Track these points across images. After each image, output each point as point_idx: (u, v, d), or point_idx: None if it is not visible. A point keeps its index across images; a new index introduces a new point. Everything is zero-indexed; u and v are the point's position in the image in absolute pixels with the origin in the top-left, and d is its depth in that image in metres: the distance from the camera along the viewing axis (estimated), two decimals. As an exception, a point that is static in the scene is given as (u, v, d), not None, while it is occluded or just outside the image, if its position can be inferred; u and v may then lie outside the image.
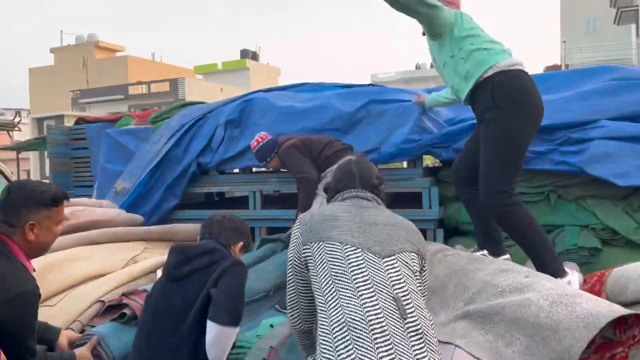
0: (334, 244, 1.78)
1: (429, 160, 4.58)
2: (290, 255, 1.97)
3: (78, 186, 6.13)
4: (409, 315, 1.62)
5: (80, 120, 6.34)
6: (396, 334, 1.57)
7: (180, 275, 2.18)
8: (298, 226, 1.97)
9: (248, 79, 35.27)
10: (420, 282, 1.83)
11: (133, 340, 2.21)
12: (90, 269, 3.03)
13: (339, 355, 1.56)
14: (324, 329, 1.65)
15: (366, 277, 1.69)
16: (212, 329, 2.05)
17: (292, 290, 2.00)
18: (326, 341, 1.62)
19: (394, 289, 1.67)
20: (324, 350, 1.61)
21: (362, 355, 1.52)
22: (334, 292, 1.69)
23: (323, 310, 1.69)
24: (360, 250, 1.76)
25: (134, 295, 2.68)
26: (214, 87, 28.88)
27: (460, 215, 3.83)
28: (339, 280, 1.70)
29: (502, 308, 2.19)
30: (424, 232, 3.83)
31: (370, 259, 1.74)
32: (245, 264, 3.29)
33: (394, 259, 1.76)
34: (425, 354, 1.58)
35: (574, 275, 2.64)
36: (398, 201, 4.59)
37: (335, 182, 2.15)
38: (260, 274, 3.29)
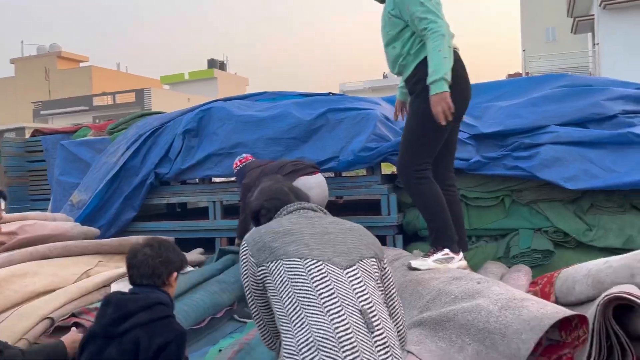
0: (293, 260, 1.67)
1: (387, 169, 4.61)
2: (245, 280, 1.85)
3: (35, 200, 5.97)
4: (376, 329, 1.56)
5: (36, 132, 6.18)
6: (365, 350, 1.50)
7: (117, 332, 2.02)
8: (246, 248, 1.83)
9: (216, 88, 35.03)
10: (382, 290, 1.75)
11: None
12: (38, 285, 2.92)
13: None
14: (289, 350, 1.55)
15: (332, 291, 1.60)
16: None
17: (256, 312, 1.91)
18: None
19: (359, 302, 1.60)
20: None
21: None
22: (299, 310, 1.59)
23: (288, 331, 1.59)
24: (321, 262, 1.66)
25: (84, 315, 2.60)
26: (181, 97, 28.59)
27: (420, 221, 3.87)
28: (304, 297, 1.60)
29: (454, 315, 2.21)
30: (383, 238, 3.85)
31: (333, 271, 1.65)
32: (202, 276, 3.20)
33: (356, 269, 1.68)
34: None
35: (457, 259, 2.83)
36: (357, 208, 4.63)
37: (270, 201, 2.04)
38: (223, 285, 3.23)
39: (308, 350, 1.50)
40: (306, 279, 1.63)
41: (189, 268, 3.61)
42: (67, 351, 2.29)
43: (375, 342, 1.53)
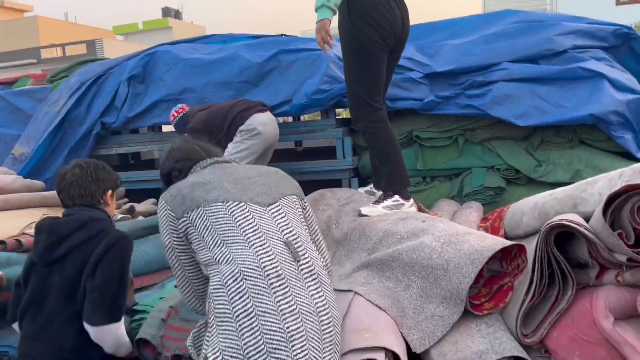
0: (215, 205, 1.66)
1: (345, 114, 4.55)
2: (166, 239, 1.75)
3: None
4: (302, 258, 1.60)
5: (-27, 84, 5.80)
6: (292, 277, 1.55)
7: (55, 258, 1.97)
8: (164, 204, 1.75)
9: (171, 38, 33.74)
10: (306, 225, 1.79)
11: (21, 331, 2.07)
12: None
13: (234, 307, 1.48)
14: (216, 284, 1.55)
15: (255, 227, 1.62)
16: (89, 329, 1.93)
17: (179, 272, 1.79)
18: (219, 296, 1.51)
19: (284, 234, 1.64)
20: (219, 306, 1.51)
21: (258, 303, 1.47)
22: (225, 249, 1.58)
23: (214, 270, 1.59)
24: (243, 203, 1.67)
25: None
26: (135, 48, 27.37)
27: (374, 164, 3.85)
28: (228, 236, 1.60)
29: (399, 254, 2.21)
30: (339, 182, 3.83)
31: (256, 210, 1.67)
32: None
33: (278, 205, 1.72)
34: (321, 293, 1.58)
35: (408, 205, 2.80)
36: (311, 154, 4.58)
37: (181, 162, 1.95)
38: None
39: (234, 281, 1.51)
40: (229, 220, 1.63)
41: (140, 219, 3.52)
42: None
43: (302, 269, 1.57)
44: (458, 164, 3.67)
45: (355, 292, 2.14)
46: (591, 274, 1.80)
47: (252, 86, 3.96)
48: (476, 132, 3.63)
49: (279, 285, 1.50)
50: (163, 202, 1.77)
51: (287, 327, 1.45)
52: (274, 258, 1.55)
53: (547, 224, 1.79)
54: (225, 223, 1.63)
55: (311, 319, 1.50)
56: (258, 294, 1.49)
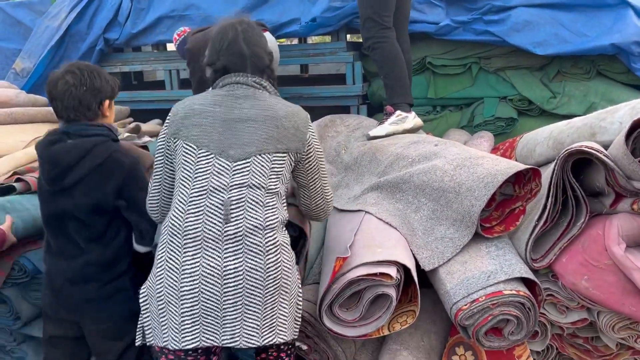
0: (190, 147, 1.64)
1: (356, 38, 4.40)
2: (160, 143, 1.75)
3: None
4: (232, 220, 1.56)
5: (-31, -5, 5.57)
6: (210, 239, 1.56)
7: (64, 187, 1.90)
8: (170, 115, 1.74)
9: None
10: (280, 181, 1.67)
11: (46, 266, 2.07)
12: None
13: (158, 258, 1.64)
14: (160, 232, 1.70)
15: (204, 185, 1.60)
16: (141, 249, 2.00)
17: (158, 178, 1.78)
18: (159, 243, 1.67)
19: (229, 193, 1.58)
20: (157, 252, 1.66)
21: (169, 259, 1.59)
22: (176, 196, 1.66)
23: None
24: (212, 155, 1.62)
25: (29, 174, 2.50)
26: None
27: (384, 92, 3.76)
28: (182, 185, 1.63)
29: (410, 176, 2.19)
30: (347, 108, 3.76)
31: (219, 165, 1.61)
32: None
33: (248, 163, 1.62)
34: (239, 256, 1.55)
35: (411, 117, 2.88)
36: (318, 82, 4.47)
37: (225, 64, 1.76)
38: None
39: (164, 234, 1.63)
40: (191, 169, 1.62)
41: (146, 138, 3.48)
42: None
43: (226, 232, 1.56)
44: (470, 93, 3.58)
45: (366, 212, 2.15)
46: (606, 202, 1.79)
47: (259, 3, 3.79)
48: (491, 60, 3.51)
49: (192, 247, 1.56)
50: (174, 108, 1.75)
51: (182, 287, 1.55)
52: (200, 219, 1.57)
53: (566, 150, 1.76)
54: (188, 169, 1.63)
55: (212, 282, 1.53)
56: (172, 251, 1.59)
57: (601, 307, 1.76)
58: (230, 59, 1.75)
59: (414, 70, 3.46)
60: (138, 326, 1.75)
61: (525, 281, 1.78)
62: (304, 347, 2.03)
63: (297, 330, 1.70)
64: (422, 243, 1.97)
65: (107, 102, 1.99)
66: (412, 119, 2.88)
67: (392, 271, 1.73)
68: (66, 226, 1.95)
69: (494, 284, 1.71)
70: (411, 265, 1.79)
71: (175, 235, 1.59)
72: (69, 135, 1.93)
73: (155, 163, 1.79)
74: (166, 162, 1.74)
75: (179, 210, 1.61)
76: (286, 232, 1.70)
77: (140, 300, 1.68)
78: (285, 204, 1.72)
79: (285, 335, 1.61)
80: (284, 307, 1.61)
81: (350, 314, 1.81)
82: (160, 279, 1.60)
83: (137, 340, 1.75)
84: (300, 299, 1.71)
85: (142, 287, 1.69)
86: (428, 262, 1.91)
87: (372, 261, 1.75)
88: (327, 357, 2.01)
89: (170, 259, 1.58)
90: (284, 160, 1.67)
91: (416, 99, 3.31)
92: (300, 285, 1.72)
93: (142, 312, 1.68)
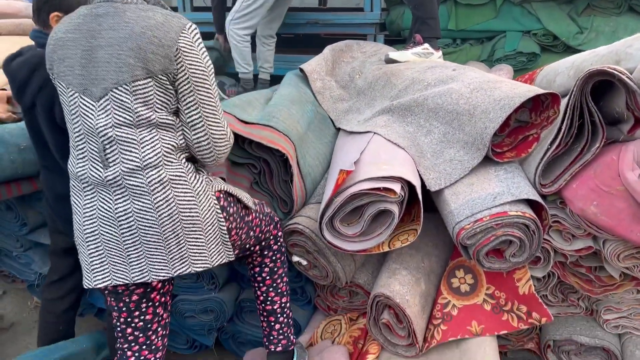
0: (61, 85, 1.48)
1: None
2: None
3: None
4: (110, 165, 1.45)
5: None
6: (98, 184, 1.48)
7: (27, 105, 1.86)
8: (50, 37, 1.52)
9: None
10: (152, 110, 1.46)
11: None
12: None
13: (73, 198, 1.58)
14: None
15: (80, 128, 1.48)
16: None
17: None
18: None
19: (100, 137, 1.45)
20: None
21: (73, 201, 1.56)
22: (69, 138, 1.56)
23: None
24: (77, 95, 1.45)
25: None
26: None
27: (403, 20, 3.62)
28: (68, 127, 1.53)
29: (424, 99, 2.12)
30: (364, 37, 3.63)
31: (84, 105, 1.45)
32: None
33: (107, 100, 1.43)
34: (126, 198, 1.46)
35: (437, 56, 2.78)
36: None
37: None
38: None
39: (71, 179, 1.56)
40: (67, 110, 1.50)
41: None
42: None
43: (106, 178, 1.46)
44: (492, 25, 3.44)
45: (375, 133, 2.10)
46: (624, 128, 1.71)
47: None
48: (517, -9, 3.35)
49: (89, 191, 1.50)
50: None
51: (84, 229, 1.52)
52: (86, 164, 1.49)
53: (587, 71, 1.67)
54: (66, 111, 1.52)
55: (108, 224, 1.49)
56: (75, 195, 1.55)
57: (608, 235, 1.72)
58: None
59: (435, 0, 3.32)
60: None
61: (532, 206, 1.75)
62: (304, 263, 2.04)
63: (230, 252, 1.63)
64: (430, 165, 1.93)
65: (54, 14, 1.85)
66: (437, 57, 2.78)
67: (397, 187, 1.70)
68: (45, 142, 1.92)
69: (499, 204, 1.67)
70: (416, 184, 1.76)
71: (73, 178, 1.55)
72: (30, 46, 1.88)
73: None
74: None
75: (72, 154, 1.54)
76: (182, 161, 1.53)
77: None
78: (178, 129, 1.53)
79: (202, 264, 1.55)
80: (196, 238, 1.53)
81: (351, 229, 1.80)
82: (74, 220, 1.58)
83: None
84: (223, 223, 1.60)
85: None
86: (434, 183, 1.87)
87: (377, 176, 1.71)
88: (327, 274, 2.02)
89: (75, 202, 1.55)
90: (149, 86, 1.43)
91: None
92: (219, 210, 1.58)
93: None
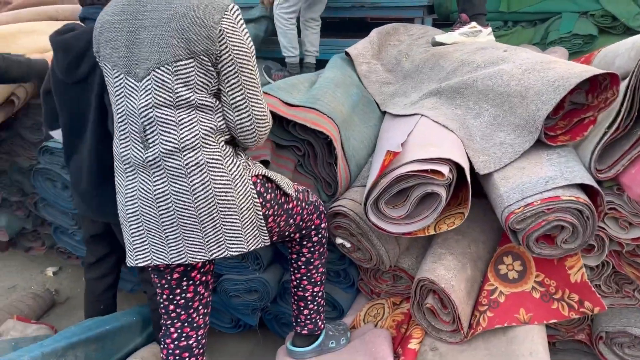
0: (107, 67, 1.51)
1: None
2: None
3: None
4: (150, 146, 1.47)
5: None
6: (139, 165, 1.51)
7: (79, 77, 1.87)
8: (97, 20, 1.55)
9: None
10: (192, 91, 1.46)
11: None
12: (46, 43, 2.83)
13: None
14: None
15: (123, 109, 1.51)
16: None
17: None
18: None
19: (141, 118, 1.47)
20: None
21: (117, 182, 1.61)
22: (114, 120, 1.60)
23: None
24: (122, 75, 1.48)
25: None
26: None
27: (452, 3, 3.53)
28: (113, 109, 1.56)
29: (473, 81, 2.07)
30: (411, 20, 3.56)
31: (129, 86, 1.47)
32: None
33: (149, 80, 1.44)
34: (164, 180, 1.48)
35: (486, 33, 2.69)
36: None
37: None
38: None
39: (116, 160, 1.60)
40: (112, 91, 1.53)
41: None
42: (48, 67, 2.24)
43: (147, 159, 1.48)
44: (547, 7, 3.30)
45: (422, 115, 2.06)
46: (689, 111, 1.62)
47: None
48: (575, -30, 3.20)
49: (130, 171, 1.54)
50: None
51: (126, 209, 1.56)
52: (128, 145, 1.52)
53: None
54: (111, 92, 1.54)
55: (148, 205, 1.51)
56: (118, 175, 1.60)
57: (668, 223, 1.64)
58: None
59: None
60: None
61: (586, 191, 1.68)
62: (348, 245, 2.04)
63: (266, 237, 1.62)
64: (479, 148, 1.88)
65: None
66: (487, 34, 2.68)
67: (445, 169, 1.66)
68: (86, 121, 1.92)
69: (551, 189, 1.61)
70: (465, 166, 1.72)
71: (117, 160, 1.58)
72: (83, 20, 1.92)
73: None
74: None
75: (115, 135, 1.58)
76: (221, 144, 1.53)
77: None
78: (217, 111, 1.53)
79: (238, 248, 1.55)
80: (231, 222, 1.53)
81: (396, 212, 1.78)
82: (117, 202, 1.63)
83: None
84: (259, 208, 1.59)
85: None
86: (484, 166, 1.82)
87: (425, 158, 1.68)
88: (370, 256, 2.01)
89: (118, 183, 1.60)
90: (190, 67, 1.43)
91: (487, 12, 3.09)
92: (255, 195, 1.58)
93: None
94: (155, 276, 1.69)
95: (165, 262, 1.55)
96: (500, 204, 1.69)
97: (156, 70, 1.43)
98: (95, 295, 2.30)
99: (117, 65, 1.47)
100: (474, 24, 2.64)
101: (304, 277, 1.93)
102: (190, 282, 1.70)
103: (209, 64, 1.45)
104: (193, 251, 1.53)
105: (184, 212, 1.49)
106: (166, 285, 1.69)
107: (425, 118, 2.05)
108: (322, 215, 1.90)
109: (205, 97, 1.49)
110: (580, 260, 1.77)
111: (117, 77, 1.49)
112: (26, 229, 3.30)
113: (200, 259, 1.54)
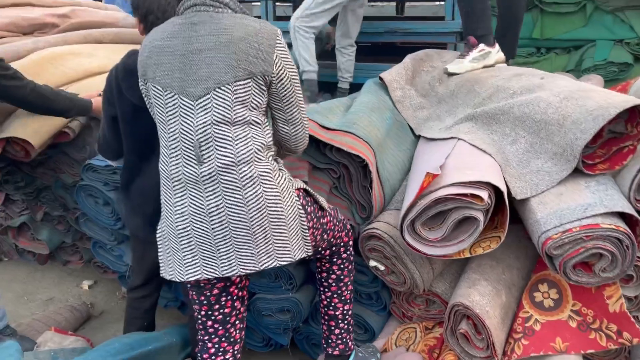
0: (157, 89, 1.58)
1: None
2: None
3: None
4: (205, 160, 1.55)
5: None
6: (190, 181, 1.58)
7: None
8: (139, 52, 1.67)
9: None
10: (247, 109, 1.56)
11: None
12: (92, 65, 2.96)
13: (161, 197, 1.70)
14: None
15: (176, 128, 1.58)
16: None
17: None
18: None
19: (197, 134, 1.55)
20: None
21: (164, 200, 1.66)
22: (160, 140, 1.67)
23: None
24: (176, 95, 1.55)
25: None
26: None
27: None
28: (161, 129, 1.64)
29: (509, 107, 2.09)
30: (444, 46, 3.61)
31: (184, 105, 1.55)
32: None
33: (208, 99, 1.53)
34: (217, 194, 1.56)
35: (495, 52, 2.67)
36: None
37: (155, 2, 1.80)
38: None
39: (162, 179, 1.66)
40: (163, 112, 1.60)
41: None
42: (92, 110, 2.48)
43: (201, 174, 1.55)
44: (581, 34, 3.32)
45: (459, 139, 2.08)
46: None
47: None
48: (610, -1, 3.22)
49: (179, 189, 1.60)
50: (142, 43, 1.67)
51: (177, 226, 1.61)
52: (179, 162, 1.59)
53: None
54: (160, 113, 1.61)
55: (200, 220, 1.57)
56: (165, 194, 1.66)
57: None
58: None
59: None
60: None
61: (625, 220, 1.67)
62: (382, 268, 2.05)
63: (309, 247, 1.68)
64: (516, 173, 1.89)
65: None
66: (495, 54, 2.67)
67: (484, 194, 1.68)
68: (155, 145, 1.89)
69: (591, 216, 1.61)
70: (503, 189, 1.73)
71: (165, 178, 1.64)
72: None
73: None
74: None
75: (163, 154, 1.64)
76: (269, 159, 1.62)
77: (157, 237, 1.73)
78: (265, 128, 1.63)
79: (286, 258, 1.61)
80: (281, 232, 1.60)
81: (433, 234, 1.79)
82: (163, 219, 1.68)
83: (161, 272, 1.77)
84: (304, 218, 1.67)
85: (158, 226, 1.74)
86: (520, 191, 1.83)
87: (464, 181, 1.70)
88: (404, 280, 2.02)
89: (166, 201, 1.65)
90: (248, 86, 1.54)
91: (519, 39, 3.11)
92: (300, 206, 1.66)
93: (159, 249, 1.73)
94: (194, 292, 1.74)
95: (216, 275, 1.60)
96: (537, 229, 1.70)
97: (216, 89, 1.53)
98: (137, 313, 2.35)
99: (170, 86, 1.55)
100: (482, 46, 2.63)
101: (334, 295, 1.95)
102: (229, 297, 1.75)
103: (263, 84, 1.58)
104: (244, 263, 1.59)
105: (237, 224, 1.56)
106: (205, 302, 1.73)
107: (462, 142, 2.07)
108: (350, 233, 1.97)
109: (257, 115, 1.60)
110: (619, 289, 1.75)
111: (170, 97, 1.56)
112: (66, 242, 3.40)
113: (251, 270, 1.59)
